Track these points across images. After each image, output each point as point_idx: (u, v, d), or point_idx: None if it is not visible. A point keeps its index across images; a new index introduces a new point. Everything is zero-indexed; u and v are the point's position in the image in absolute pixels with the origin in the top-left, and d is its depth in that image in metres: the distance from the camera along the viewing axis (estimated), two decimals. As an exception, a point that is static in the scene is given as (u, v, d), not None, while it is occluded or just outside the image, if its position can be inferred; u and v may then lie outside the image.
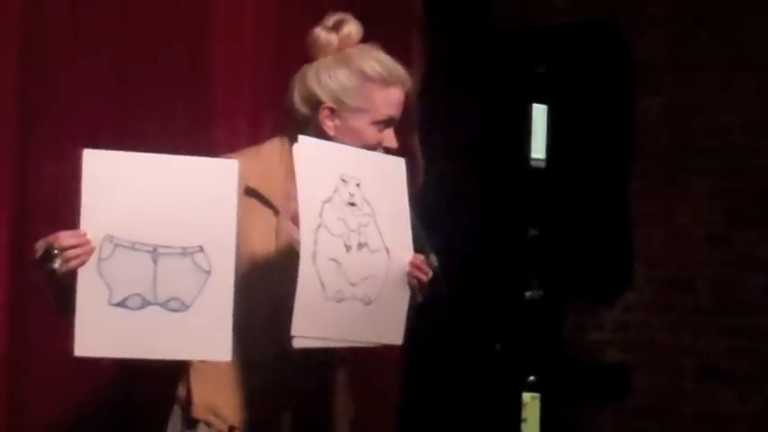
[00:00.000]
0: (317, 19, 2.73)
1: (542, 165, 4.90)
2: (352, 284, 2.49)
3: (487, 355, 4.74)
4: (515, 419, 4.82)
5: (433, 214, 2.94)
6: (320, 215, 2.44)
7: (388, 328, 2.56)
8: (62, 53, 3.18)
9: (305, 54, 2.70)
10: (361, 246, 2.50)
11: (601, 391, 5.11)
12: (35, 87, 3.12)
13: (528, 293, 4.88)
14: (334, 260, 2.46)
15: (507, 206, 4.80)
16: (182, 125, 3.40)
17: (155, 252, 2.40)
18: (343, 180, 2.49)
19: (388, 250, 2.53)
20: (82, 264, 2.34)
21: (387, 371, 4.29)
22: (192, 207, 2.41)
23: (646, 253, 5.05)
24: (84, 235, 2.34)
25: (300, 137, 2.49)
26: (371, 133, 2.64)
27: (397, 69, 2.67)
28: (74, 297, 2.36)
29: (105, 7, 3.28)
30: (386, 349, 2.64)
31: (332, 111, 2.63)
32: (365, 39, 2.71)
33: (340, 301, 2.47)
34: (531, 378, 4.87)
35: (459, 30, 4.89)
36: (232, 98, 3.58)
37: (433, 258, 2.64)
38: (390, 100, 2.64)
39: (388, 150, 2.65)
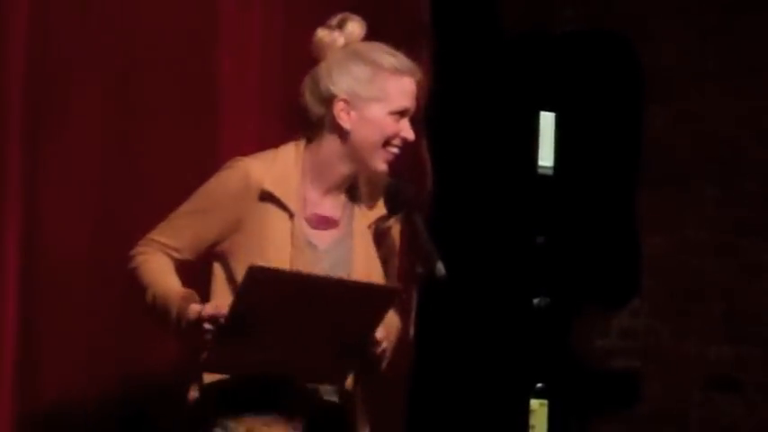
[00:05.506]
0: (324, 28, 2.75)
1: (550, 172, 4.90)
2: None
3: (495, 362, 4.74)
4: (523, 426, 4.82)
5: (440, 221, 2.95)
6: None
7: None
8: (68, 66, 3.20)
9: (313, 63, 2.72)
10: None
11: (609, 399, 5.11)
12: (41, 103, 3.14)
13: (536, 301, 4.88)
14: None
15: (515, 214, 4.80)
16: (189, 137, 3.41)
17: None
18: None
19: None
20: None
21: (394, 378, 4.28)
22: None
23: (654, 261, 5.05)
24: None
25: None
26: (390, 124, 2.65)
27: (408, 60, 2.69)
28: None
29: (112, 21, 3.30)
30: (393, 358, 2.65)
31: (346, 104, 2.64)
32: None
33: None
34: (539, 385, 4.87)
35: (468, 38, 4.89)
36: (239, 111, 3.58)
37: (441, 266, 2.65)
38: (404, 89, 2.66)
39: (405, 142, 2.67)
